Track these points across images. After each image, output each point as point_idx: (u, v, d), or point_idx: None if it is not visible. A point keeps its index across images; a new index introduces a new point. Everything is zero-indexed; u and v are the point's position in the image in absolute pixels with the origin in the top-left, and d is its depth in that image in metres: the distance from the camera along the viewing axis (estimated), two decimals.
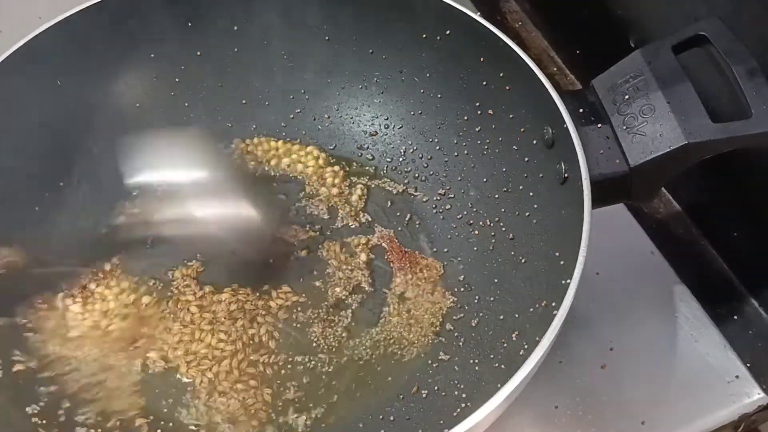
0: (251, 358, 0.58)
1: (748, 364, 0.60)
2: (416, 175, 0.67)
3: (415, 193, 0.66)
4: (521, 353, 0.49)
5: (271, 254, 0.63)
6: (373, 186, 0.67)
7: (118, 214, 0.64)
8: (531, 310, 0.52)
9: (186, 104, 0.67)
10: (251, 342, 0.58)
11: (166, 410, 0.55)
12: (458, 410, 0.51)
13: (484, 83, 0.61)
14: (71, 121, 0.63)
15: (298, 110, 0.69)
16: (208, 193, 0.61)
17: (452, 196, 0.65)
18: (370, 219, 0.65)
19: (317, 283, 0.62)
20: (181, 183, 0.61)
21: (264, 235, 0.62)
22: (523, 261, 0.56)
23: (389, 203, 0.66)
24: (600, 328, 0.61)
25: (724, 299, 0.63)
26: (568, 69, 0.80)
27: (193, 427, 0.55)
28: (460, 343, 0.57)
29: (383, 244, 0.64)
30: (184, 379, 0.57)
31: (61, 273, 0.60)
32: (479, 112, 0.62)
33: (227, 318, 0.59)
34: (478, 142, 0.63)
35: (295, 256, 0.63)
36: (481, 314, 0.58)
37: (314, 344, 0.58)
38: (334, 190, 0.66)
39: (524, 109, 0.58)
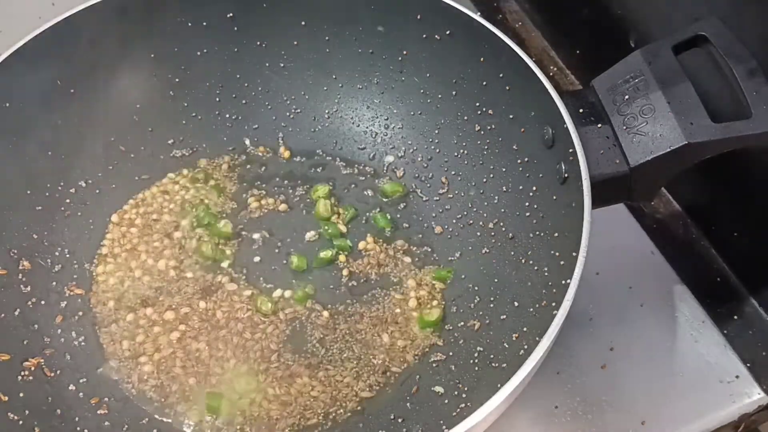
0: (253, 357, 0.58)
1: (748, 364, 0.60)
2: (416, 175, 0.67)
3: (415, 193, 0.66)
4: (521, 353, 0.49)
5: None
6: (372, 187, 0.67)
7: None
8: (531, 310, 0.52)
9: (186, 104, 0.67)
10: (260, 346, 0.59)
11: None
12: (458, 410, 0.51)
13: (484, 83, 0.61)
14: (71, 121, 0.63)
15: (298, 110, 0.69)
16: None
17: (452, 196, 0.65)
18: (370, 220, 0.65)
19: (318, 284, 0.62)
20: None
21: None
22: (523, 261, 0.56)
23: (389, 204, 0.66)
24: (600, 328, 0.61)
25: (724, 299, 0.63)
26: (568, 69, 0.80)
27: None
28: (460, 343, 0.57)
29: (383, 245, 0.64)
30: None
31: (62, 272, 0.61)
32: (479, 112, 0.62)
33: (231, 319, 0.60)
34: (478, 142, 0.63)
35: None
36: (480, 314, 0.58)
37: (314, 347, 0.58)
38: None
39: (524, 109, 0.58)
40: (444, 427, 0.48)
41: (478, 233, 0.62)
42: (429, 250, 0.63)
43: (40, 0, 0.74)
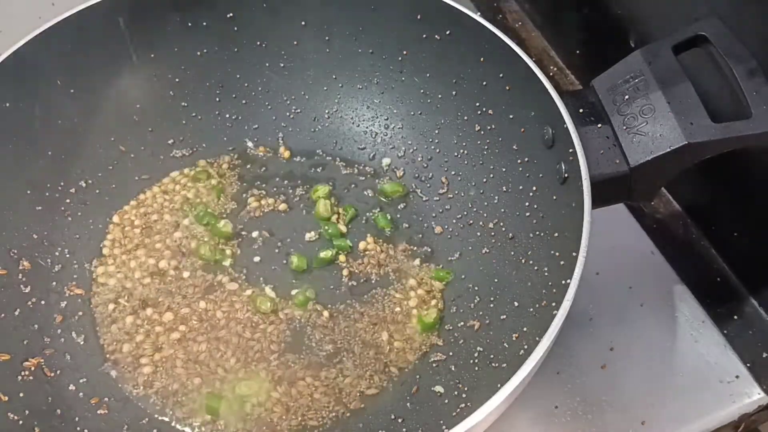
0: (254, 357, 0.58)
1: (748, 364, 0.60)
2: (416, 175, 0.67)
3: (415, 193, 0.66)
4: (521, 353, 0.49)
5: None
6: (372, 187, 0.67)
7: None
8: (531, 310, 0.52)
9: (185, 104, 0.67)
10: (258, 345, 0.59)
11: None
12: (458, 410, 0.51)
13: (484, 83, 0.61)
14: (71, 121, 0.63)
15: (298, 110, 0.69)
16: None
17: (452, 196, 0.65)
18: (370, 220, 0.65)
19: (318, 284, 0.62)
20: None
21: None
22: (523, 261, 0.56)
23: (389, 204, 0.66)
24: (600, 328, 0.61)
25: (724, 299, 0.63)
26: (568, 69, 0.80)
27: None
28: (460, 343, 0.57)
29: (383, 245, 0.64)
30: None
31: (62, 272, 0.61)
32: (479, 112, 0.62)
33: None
34: (478, 142, 0.63)
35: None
36: (480, 314, 0.58)
37: (314, 346, 0.58)
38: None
39: (524, 109, 0.58)
40: (444, 427, 0.48)
41: (478, 233, 0.62)
42: (429, 250, 0.63)
43: (40, 0, 0.74)
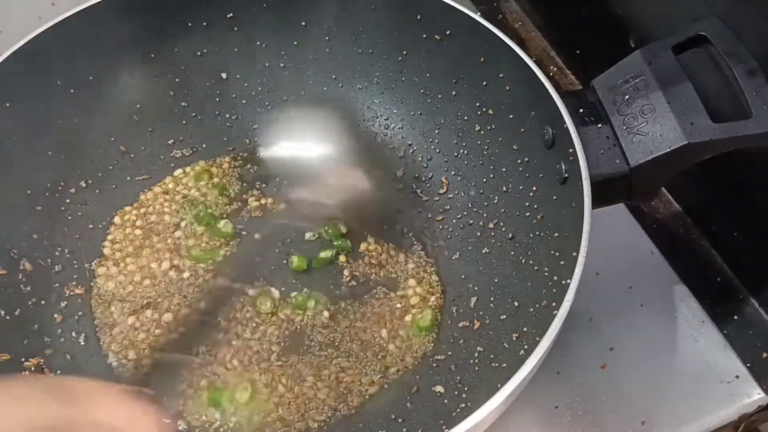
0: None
1: (748, 364, 0.60)
2: (416, 175, 0.67)
3: (415, 193, 0.66)
4: (521, 353, 0.49)
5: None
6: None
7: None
8: (531, 310, 0.52)
9: (185, 104, 0.67)
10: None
11: None
12: (458, 410, 0.51)
13: (484, 83, 0.61)
14: (71, 121, 0.63)
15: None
16: None
17: (452, 196, 0.65)
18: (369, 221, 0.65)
19: (318, 284, 0.62)
20: None
21: None
22: (523, 261, 0.56)
23: (388, 204, 0.66)
24: (600, 328, 0.61)
25: (724, 299, 0.63)
26: (568, 69, 0.80)
27: None
28: (460, 343, 0.57)
29: (384, 246, 0.64)
30: None
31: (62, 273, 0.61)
32: (479, 112, 0.62)
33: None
34: (478, 142, 0.63)
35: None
36: (480, 314, 0.58)
37: (315, 347, 0.58)
38: None
39: (524, 109, 0.58)
40: (444, 427, 0.48)
41: (478, 233, 0.62)
42: (429, 250, 0.63)
43: (40, 0, 0.74)
